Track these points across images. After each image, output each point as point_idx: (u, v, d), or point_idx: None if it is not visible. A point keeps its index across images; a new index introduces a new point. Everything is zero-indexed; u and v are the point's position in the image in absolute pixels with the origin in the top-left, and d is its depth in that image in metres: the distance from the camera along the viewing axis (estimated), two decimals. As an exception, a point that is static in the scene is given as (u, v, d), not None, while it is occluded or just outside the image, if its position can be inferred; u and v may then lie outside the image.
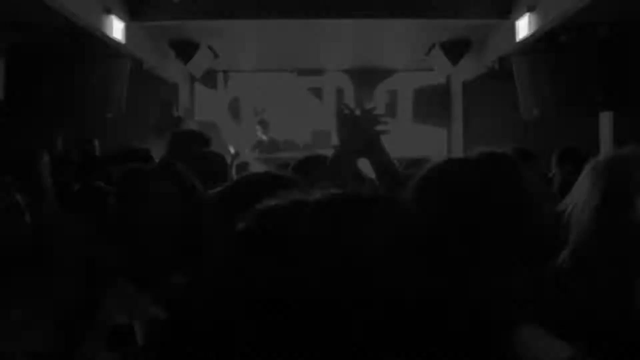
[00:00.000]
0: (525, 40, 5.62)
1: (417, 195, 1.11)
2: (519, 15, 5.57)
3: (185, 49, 6.97)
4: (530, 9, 5.35)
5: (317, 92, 8.95)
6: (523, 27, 5.52)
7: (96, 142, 5.50)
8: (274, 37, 7.07)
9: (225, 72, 8.73)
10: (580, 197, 1.24)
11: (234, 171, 4.36)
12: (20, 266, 1.51)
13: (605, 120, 6.24)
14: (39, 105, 5.39)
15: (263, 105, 8.67)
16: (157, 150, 4.51)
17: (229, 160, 4.26)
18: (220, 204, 1.34)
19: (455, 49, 7.00)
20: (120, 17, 5.62)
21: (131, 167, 2.08)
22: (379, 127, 1.72)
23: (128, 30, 5.79)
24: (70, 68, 5.42)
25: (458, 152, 8.20)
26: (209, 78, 8.41)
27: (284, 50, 7.82)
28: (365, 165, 2.65)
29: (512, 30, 5.73)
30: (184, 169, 1.84)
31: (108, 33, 5.41)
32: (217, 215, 1.29)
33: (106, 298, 1.45)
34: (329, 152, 2.31)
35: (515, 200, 1.13)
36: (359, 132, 1.71)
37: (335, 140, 2.01)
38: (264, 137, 7.85)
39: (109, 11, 5.35)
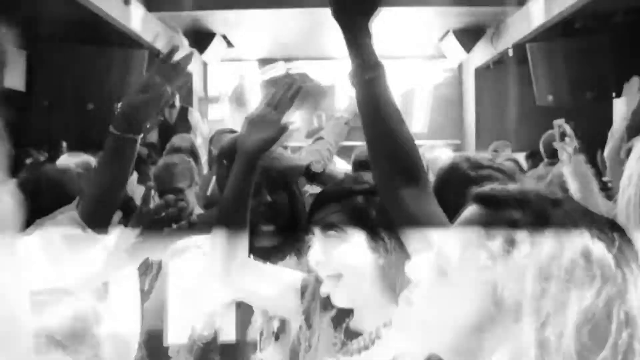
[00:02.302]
0: (540, 27, 5.64)
1: None
2: (535, 2, 5.58)
3: (199, 39, 7.02)
4: (546, -4, 5.37)
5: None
6: (538, 14, 5.53)
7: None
8: (286, 26, 7.11)
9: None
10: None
11: None
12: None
13: (619, 106, 6.26)
14: (60, 97, 5.46)
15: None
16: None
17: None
18: None
19: (469, 36, 7.02)
20: (138, 8, 5.67)
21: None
22: None
23: (145, 21, 5.84)
24: (90, 59, 5.49)
25: (470, 138, 8.25)
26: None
27: (296, 39, 7.86)
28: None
29: (527, 17, 5.75)
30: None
31: (127, 24, 5.46)
32: None
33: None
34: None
35: None
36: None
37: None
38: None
39: (127, 2, 5.39)
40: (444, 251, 0.69)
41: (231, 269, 1.28)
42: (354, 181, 1.17)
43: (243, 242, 1.29)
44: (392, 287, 1.08)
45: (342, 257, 1.11)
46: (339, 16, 1.06)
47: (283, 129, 1.29)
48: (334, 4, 1.05)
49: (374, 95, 1.04)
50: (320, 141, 2.22)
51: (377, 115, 1.03)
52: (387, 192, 1.01)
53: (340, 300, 1.13)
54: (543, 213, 0.65)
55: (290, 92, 1.31)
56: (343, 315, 1.17)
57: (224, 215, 1.28)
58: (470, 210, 0.70)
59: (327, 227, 1.13)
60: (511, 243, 0.63)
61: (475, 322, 0.64)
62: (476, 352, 0.64)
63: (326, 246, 1.13)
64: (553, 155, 5.19)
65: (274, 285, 1.28)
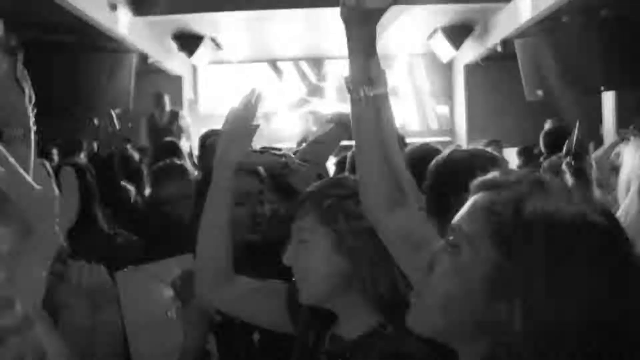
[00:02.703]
0: (528, 22, 5.66)
1: None
2: (522, -2, 5.60)
3: (188, 42, 7.00)
4: (533, -9, 5.38)
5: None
6: (526, 9, 5.55)
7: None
8: (275, 28, 7.10)
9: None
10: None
11: None
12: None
13: (608, 100, 6.30)
14: (49, 102, 5.42)
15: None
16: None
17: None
18: None
19: (457, 33, 7.04)
20: (125, 12, 5.65)
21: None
22: None
23: (133, 25, 5.82)
24: (78, 64, 5.46)
25: (461, 135, 8.27)
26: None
27: (285, 40, 7.86)
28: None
29: (515, 13, 5.77)
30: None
31: (114, 28, 5.44)
32: None
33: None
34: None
35: None
36: None
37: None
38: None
39: (114, 7, 5.37)
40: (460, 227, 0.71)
41: (216, 285, 1.29)
42: (332, 185, 1.16)
43: (227, 257, 1.29)
44: (366, 290, 1.08)
45: (307, 259, 1.11)
46: (351, 17, 0.91)
47: (254, 129, 1.35)
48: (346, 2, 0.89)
49: (375, 114, 0.94)
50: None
51: (375, 135, 0.94)
52: (370, 210, 0.99)
53: (305, 300, 1.13)
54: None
55: (253, 98, 1.35)
56: (327, 322, 1.16)
57: (207, 222, 1.29)
58: (476, 197, 0.73)
59: (298, 230, 1.13)
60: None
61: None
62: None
63: (296, 250, 1.13)
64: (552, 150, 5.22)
65: (259, 299, 1.29)
